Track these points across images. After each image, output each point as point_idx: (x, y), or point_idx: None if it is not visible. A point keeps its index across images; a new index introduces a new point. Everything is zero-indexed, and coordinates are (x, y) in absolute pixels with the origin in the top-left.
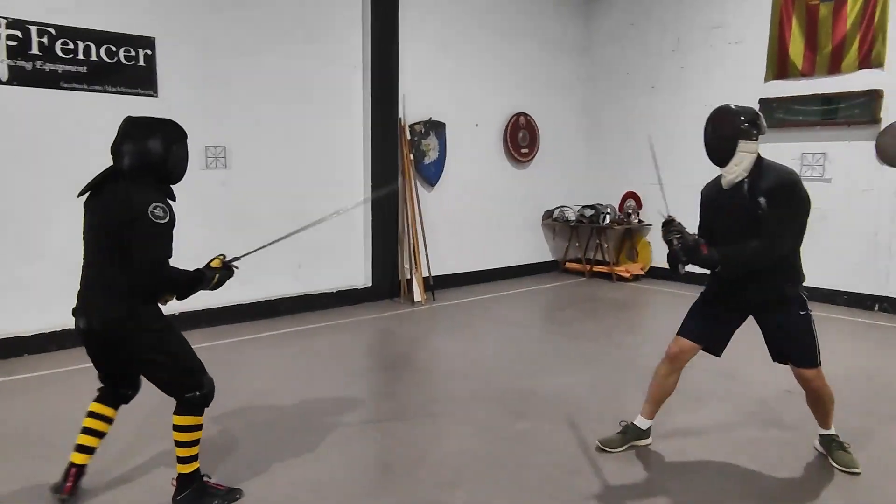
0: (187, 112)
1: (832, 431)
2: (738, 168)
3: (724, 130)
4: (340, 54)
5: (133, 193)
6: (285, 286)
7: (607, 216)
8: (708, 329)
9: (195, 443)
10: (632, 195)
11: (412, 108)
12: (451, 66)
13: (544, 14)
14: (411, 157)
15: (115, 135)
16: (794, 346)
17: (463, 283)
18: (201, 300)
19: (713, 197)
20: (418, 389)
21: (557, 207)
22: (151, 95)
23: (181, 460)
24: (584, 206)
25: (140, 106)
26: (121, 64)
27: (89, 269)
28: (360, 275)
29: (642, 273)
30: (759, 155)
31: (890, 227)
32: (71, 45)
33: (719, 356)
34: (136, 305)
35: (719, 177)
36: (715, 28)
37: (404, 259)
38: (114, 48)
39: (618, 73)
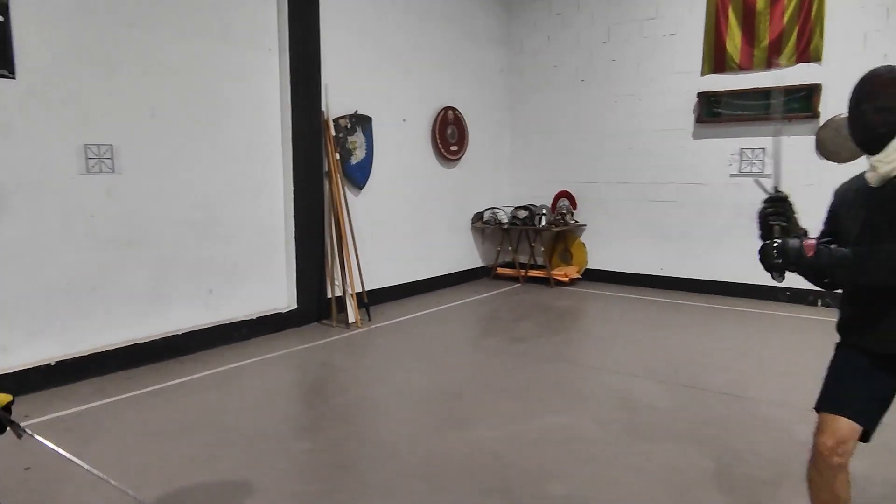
0: (57, 99)
1: None
2: None
3: (889, 100)
4: (252, 34)
5: None
6: (194, 317)
7: (543, 217)
8: (857, 391)
9: None
10: (565, 194)
11: (335, 100)
12: (375, 54)
13: (467, 1)
14: (337, 156)
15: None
16: None
17: (395, 298)
18: (87, 343)
19: (852, 199)
20: (396, 457)
21: (487, 209)
22: (6, 76)
23: None
24: (516, 208)
25: None
26: None
27: None
28: (282, 296)
29: (579, 276)
30: None
31: None
32: None
33: (867, 441)
34: None
35: (860, 175)
36: (648, 19)
37: (334, 274)
38: None
39: (545, 65)
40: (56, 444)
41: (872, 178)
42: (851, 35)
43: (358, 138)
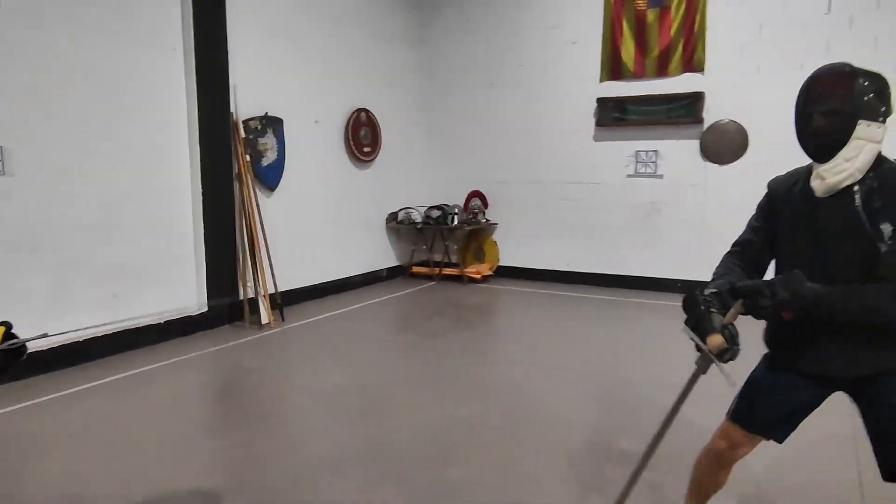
0: None
1: None
2: (849, 166)
3: (838, 102)
4: (154, 33)
5: None
6: (98, 322)
7: (455, 217)
8: (773, 409)
9: None
10: (477, 194)
11: (245, 101)
12: (286, 55)
13: (377, 2)
14: (248, 157)
15: None
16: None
17: (310, 298)
18: None
19: (795, 204)
20: (304, 450)
21: (402, 209)
22: None
23: None
24: (430, 207)
25: None
26: None
27: None
28: (192, 299)
29: (491, 273)
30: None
31: (715, 218)
32: None
33: (781, 442)
34: None
35: (803, 171)
36: (552, 28)
37: (246, 276)
38: None
39: (456, 67)
40: None
41: (819, 188)
42: (729, 47)
43: (269, 140)
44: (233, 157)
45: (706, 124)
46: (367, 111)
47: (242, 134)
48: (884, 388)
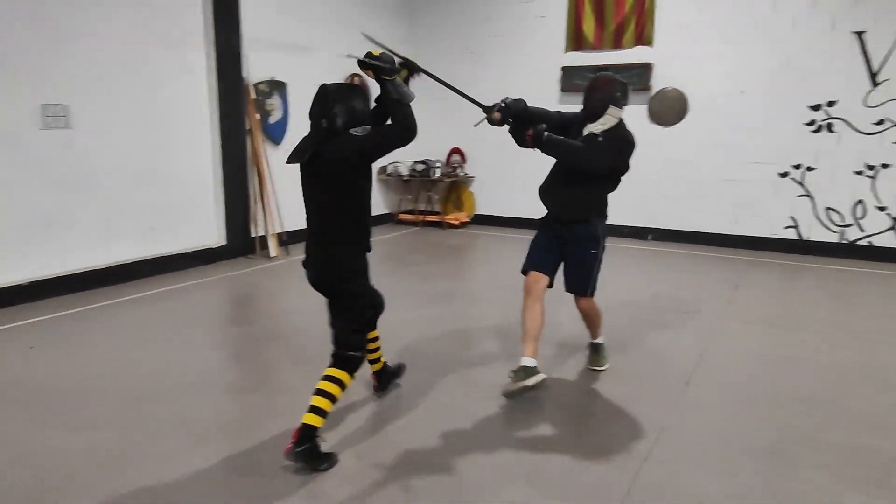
0: (20, 65)
1: (600, 340)
2: (601, 127)
3: (601, 94)
4: (178, 13)
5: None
6: (138, 250)
7: (437, 170)
8: (542, 258)
9: (334, 400)
10: (457, 150)
11: (254, 67)
12: (288, 25)
13: None
14: (257, 116)
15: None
16: (576, 277)
17: None
18: (48, 268)
19: (572, 127)
20: (301, 332)
21: (390, 163)
22: None
23: (315, 410)
24: (415, 162)
25: None
26: None
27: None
28: (213, 234)
29: (468, 220)
30: (620, 120)
31: (658, 174)
32: None
33: (551, 287)
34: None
35: (579, 119)
36: (523, 3)
37: (257, 216)
38: None
39: (438, 37)
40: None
41: (585, 131)
42: (671, 25)
43: (275, 101)
44: (244, 116)
45: (653, 91)
46: (359, 76)
47: (253, 96)
48: (578, 229)
